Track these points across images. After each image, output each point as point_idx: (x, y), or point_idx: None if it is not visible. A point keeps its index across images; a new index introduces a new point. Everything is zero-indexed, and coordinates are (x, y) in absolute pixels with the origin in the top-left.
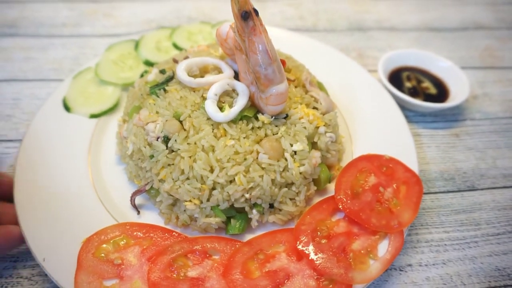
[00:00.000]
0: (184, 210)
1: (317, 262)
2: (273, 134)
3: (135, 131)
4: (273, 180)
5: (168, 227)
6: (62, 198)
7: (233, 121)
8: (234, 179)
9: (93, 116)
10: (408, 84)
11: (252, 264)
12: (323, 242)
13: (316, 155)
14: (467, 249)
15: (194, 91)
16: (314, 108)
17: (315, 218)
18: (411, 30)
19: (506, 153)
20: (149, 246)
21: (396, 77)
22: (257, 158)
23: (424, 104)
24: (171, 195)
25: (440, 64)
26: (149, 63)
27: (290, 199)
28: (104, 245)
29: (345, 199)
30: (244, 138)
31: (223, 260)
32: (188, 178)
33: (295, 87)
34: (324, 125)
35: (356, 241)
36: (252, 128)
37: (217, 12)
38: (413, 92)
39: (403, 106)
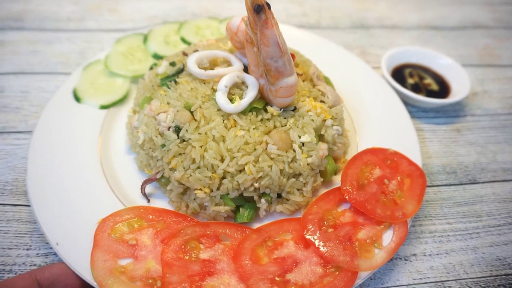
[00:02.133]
0: (194, 199)
1: (324, 250)
2: (282, 126)
3: (147, 121)
4: (281, 171)
5: None
6: (73, 185)
7: (243, 113)
8: (244, 168)
9: (103, 107)
10: (410, 81)
11: (261, 250)
12: (330, 231)
13: (323, 147)
14: (469, 240)
15: (204, 83)
16: (321, 101)
17: (322, 208)
18: (412, 29)
19: (506, 148)
20: (162, 229)
21: (399, 74)
22: (266, 148)
23: (427, 99)
24: (181, 183)
25: (442, 62)
26: (157, 56)
27: (298, 189)
28: (119, 226)
29: (351, 190)
30: (253, 129)
31: (234, 245)
32: (199, 167)
33: (303, 81)
34: (331, 118)
35: (362, 231)
36: (262, 119)
37: (220, 9)
38: (416, 88)
39: (406, 101)
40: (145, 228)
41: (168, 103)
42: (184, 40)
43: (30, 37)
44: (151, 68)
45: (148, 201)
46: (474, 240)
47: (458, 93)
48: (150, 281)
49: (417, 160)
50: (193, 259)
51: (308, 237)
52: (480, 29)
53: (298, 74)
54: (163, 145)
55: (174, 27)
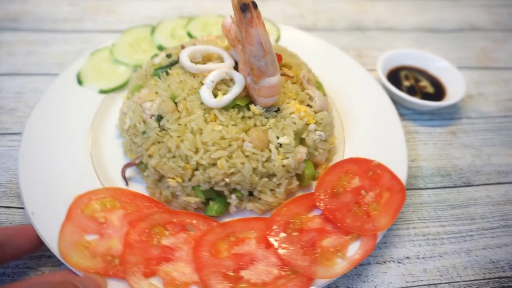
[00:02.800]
0: (168, 187)
1: (283, 252)
2: (262, 125)
3: (134, 108)
4: (254, 169)
5: None
6: (59, 161)
7: (225, 108)
8: (217, 162)
9: (102, 91)
10: (406, 83)
11: (222, 244)
12: (294, 234)
13: (302, 150)
14: (462, 243)
15: (194, 77)
16: (308, 105)
17: (291, 211)
18: (409, 31)
19: (501, 151)
20: (133, 212)
21: (395, 76)
22: (242, 145)
23: (422, 102)
24: (157, 170)
25: (437, 64)
26: (161, 48)
27: (270, 190)
28: (93, 204)
29: (323, 197)
30: (232, 125)
31: (197, 236)
32: (174, 156)
33: (293, 83)
34: (315, 123)
35: (327, 239)
36: (243, 117)
37: (219, 10)
38: (411, 91)
39: (401, 104)
40: (116, 209)
41: (156, 93)
42: (190, 35)
43: (26, 38)
44: (151, 58)
45: (127, 184)
46: (467, 243)
47: (453, 95)
48: (109, 258)
49: (403, 174)
50: (154, 243)
51: (270, 238)
52: (477, 32)
53: (289, 77)
54: (144, 132)
55: (183, 21)
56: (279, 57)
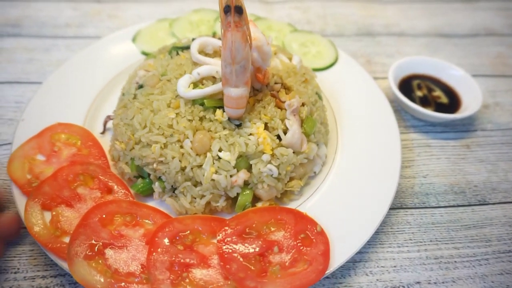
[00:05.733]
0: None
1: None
2: (215, 132)
3: (136, 73)
4: (182, 168)
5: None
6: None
7: (193, 102)
8: (152, 145)
9: (144, 53)
10: (419, 93)
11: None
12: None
13: (241, 175)
14: (477, 267)
15: (194, 65)
16: (278, 136)
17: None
18: (420, 36)
19: None
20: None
21: (407, 85)
22: (182, 141)
23: (435, 114)
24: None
25: (452, 72)
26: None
27: (192, 196)
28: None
29: (230, 229)
30: (188, 120)
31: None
32: (128, 124)
33: (280, 108)
34: (271, 155)
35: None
36: (203, 117)
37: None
38: (424, 101)
39: (413, 115)
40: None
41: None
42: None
43: (27, 44)
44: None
45: (102, 132)
46: (482, 267)
47: (469, 106)
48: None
49: (390, 192)
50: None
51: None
52: (493, 37)
53: (278, 100)
54: (123, 94)
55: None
56: (265, 75)
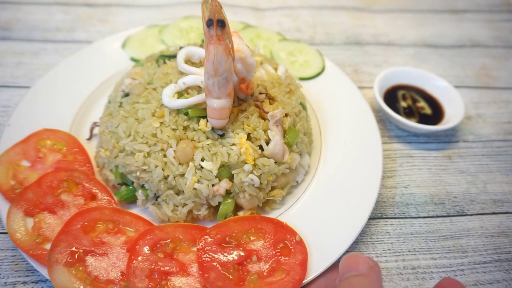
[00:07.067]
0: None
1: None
2: (198, 142)
3: (123, 80)
4: (165, 177)
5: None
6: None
7: (177, 111)
8: (136, 154)
9: (133, 59)
10: (403, 104)
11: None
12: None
13: (222, 184)
14: (453, 277)
15: (180, 74)
16: (260, 146)
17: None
18: (408, 46)
19: (497, 178)
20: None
21: (392, 95)
22: (166, 150)
23: (418, 126)
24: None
25: (436, 83)
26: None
27: (175, 204)
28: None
29: (209, 238)
30: (172, 129)
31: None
32: (113, 132)
33: (263, 118)
34: (253, 165)
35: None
36: (187, 126)
37: None
38: (408, 112)
39: (397, 126)
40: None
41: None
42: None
43: (16, 48)
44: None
45: (89, 138)
46: (458, 278)
47: (451, 117)
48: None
49: (369, 203)
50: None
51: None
52: (478, 48)
53: (264, 112)
54: (109, 101)
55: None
56: (248, 88)
